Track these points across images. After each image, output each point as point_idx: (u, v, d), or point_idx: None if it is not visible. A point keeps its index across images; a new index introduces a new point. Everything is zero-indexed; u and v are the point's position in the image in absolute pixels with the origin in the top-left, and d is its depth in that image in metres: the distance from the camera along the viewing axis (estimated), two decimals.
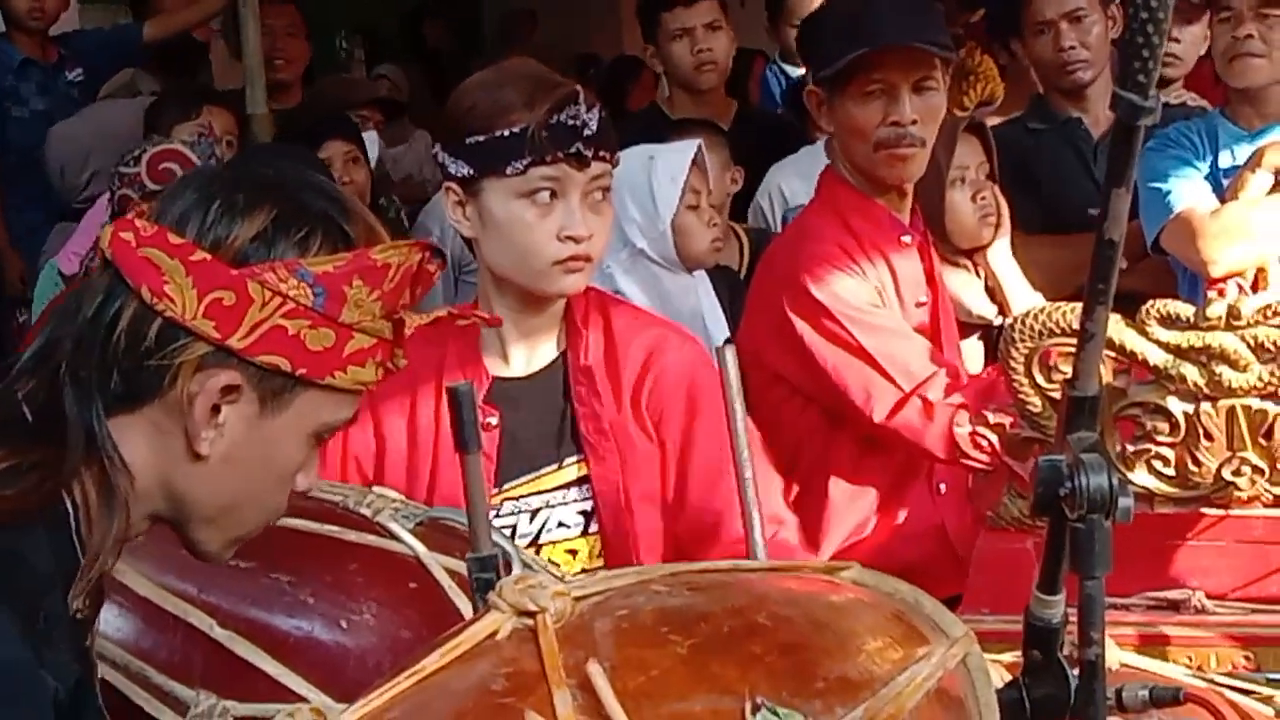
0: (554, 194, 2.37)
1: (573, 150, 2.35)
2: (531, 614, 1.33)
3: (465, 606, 1.93)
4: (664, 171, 3.65)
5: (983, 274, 3.60)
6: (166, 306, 1.55)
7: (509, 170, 2.35)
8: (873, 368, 2.92)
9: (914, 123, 2.95)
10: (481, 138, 2.37)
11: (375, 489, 2.25)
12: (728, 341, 2.98)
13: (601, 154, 2.39)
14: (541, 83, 2.39)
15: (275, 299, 1.57)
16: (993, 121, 4.26)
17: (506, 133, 2.36)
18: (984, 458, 2.73)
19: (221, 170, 1.68)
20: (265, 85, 5.43)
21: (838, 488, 3.04)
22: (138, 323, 1.57)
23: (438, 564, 2.04)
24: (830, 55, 2.98)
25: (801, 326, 2.97)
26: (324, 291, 1.58)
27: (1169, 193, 3.48)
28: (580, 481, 2.49)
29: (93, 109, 5.31)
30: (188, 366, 1.57)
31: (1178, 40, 4.44)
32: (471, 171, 2.40)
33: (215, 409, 1.59)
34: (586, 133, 2.36)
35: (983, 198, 3.54)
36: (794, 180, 4.23)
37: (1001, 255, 3.60)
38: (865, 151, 3.00)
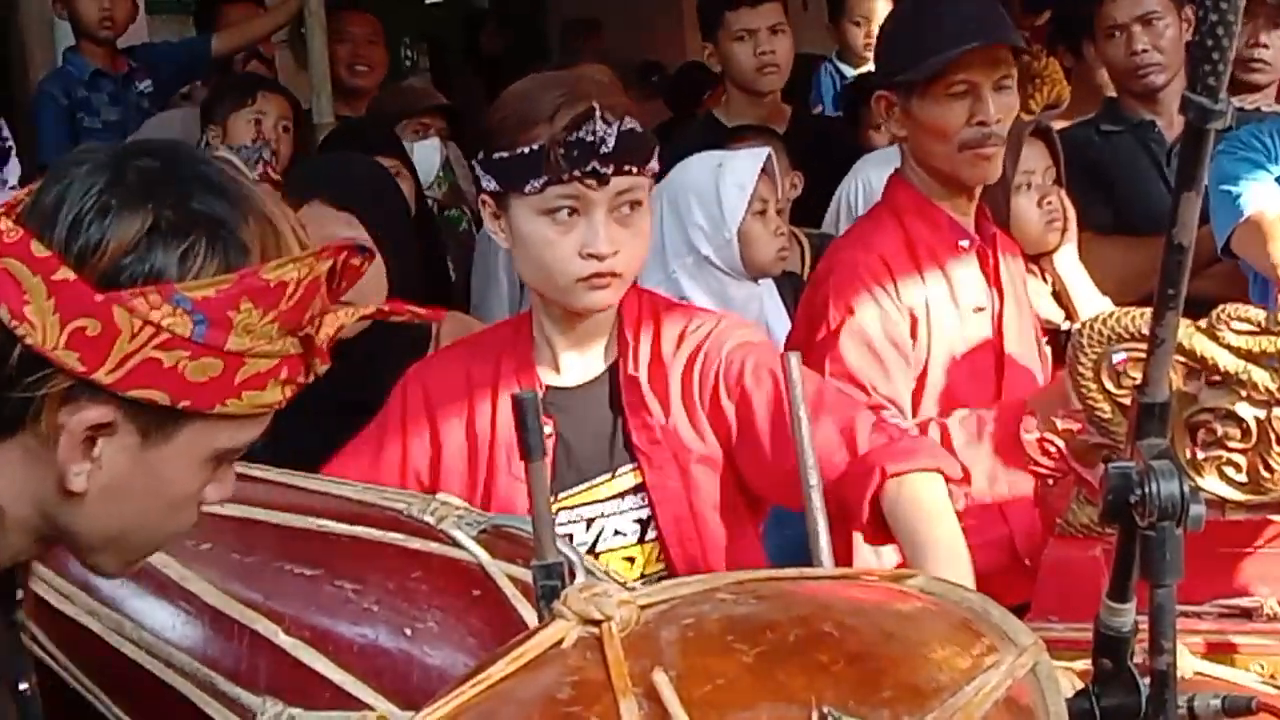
0: (575, 210, 2.35)
1: (589, 169, 2.32)
2: (597, 622, 1.32)
3: (529, 614, 1.93)
4: (732, 179, 3.64)
5: (1050, 279, 3.57)
6: (27, 332, 1.37)
7: (528, 189, 2.34)
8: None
9: (997, 122, 2.95)
10: (505, 154, 2.35)
11: (439, 496, 2.26)
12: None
13: (627, 168, 2.34)
14: (567, 96, 2.35)
15: (146, 329, 1.38)
16: (1061, 125, 4.24)
17: (526, 150, 2.33)
18: (1052, 464, 2.70)
19: (110, 153, 1.44)
20: (334, 93, 5.51)
21: None
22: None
23: (501, 572, 2.03)
24: (915, 58, 2.95)
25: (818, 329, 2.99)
26: (205, 320, 1.39)
27: (1239, 196, 3.45)
28: (634, 490, 2.48)
29: (157, 119, 5.35)
30: (52, 399, 1.39)
31: (1266, 46, 4.39)
32: (497, 187, 2.39)
33: (90, 442, 1.42)
34: (604, 150, 2.31)
35: (1049, 203, 3.51)
36: (884, 172, 4.20)
37: (1068, 260, 3.57)
38: (948, 153, 2.98)
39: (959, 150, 2.96)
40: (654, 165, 2.41)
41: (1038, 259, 3.56)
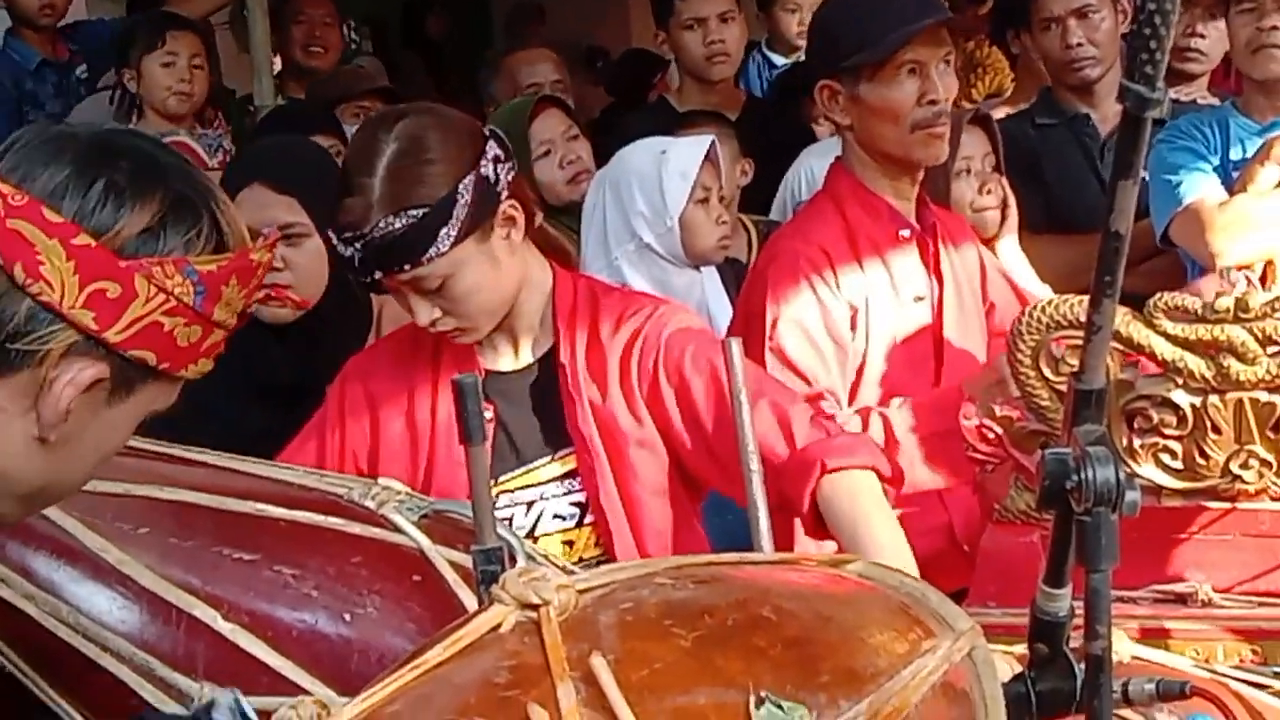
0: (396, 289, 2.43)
1: (358, 280, 2.41)
2: (535, 607, 1.32)
3: (469, 599, 1.92)
4: (675, 166, 3.64)
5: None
6: (42, 290, 1.46)
7: None
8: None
9: (946, 99, 2.97)
10: None
11: (380, 481, 2.25)
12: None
13: (396, 269, 2.35)
14: (340, 196, 2.37)
15: (159, 295, 1.50)
16: (1001, 114, 4.26)
17: None
18: (990, 450, 2.72)
19: (92, 140, 1.53)
20: (289, 74, 5.48)
21: None
22: (3, 302, 1.47)
23: (442, 557, 2.03)
24: (859, 42, 2.96)
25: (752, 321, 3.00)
26: (205, 290, 1.53)
27: (1178, 185, 3.47)
28: (572, 474, 2.50)
29: (90, 101, 5.27)
30: (54, 353, 1.48)
31: (1203, 36, 4.42)
32: None
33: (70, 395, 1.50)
34: (356, 264, 2.37)
35: (988, 190, 3.53)
36: (828, 162, 4.20)
37: (1010, 248, 3.59)
38: (899, 135, 2.99)
39: (911, 131, 2.97)
40: (436, 249, 2.34)
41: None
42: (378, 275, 2.36)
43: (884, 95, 2.98)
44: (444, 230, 2.33)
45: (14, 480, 1.55)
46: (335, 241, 2.38)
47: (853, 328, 2.99)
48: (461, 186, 2.34)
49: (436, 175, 2.34)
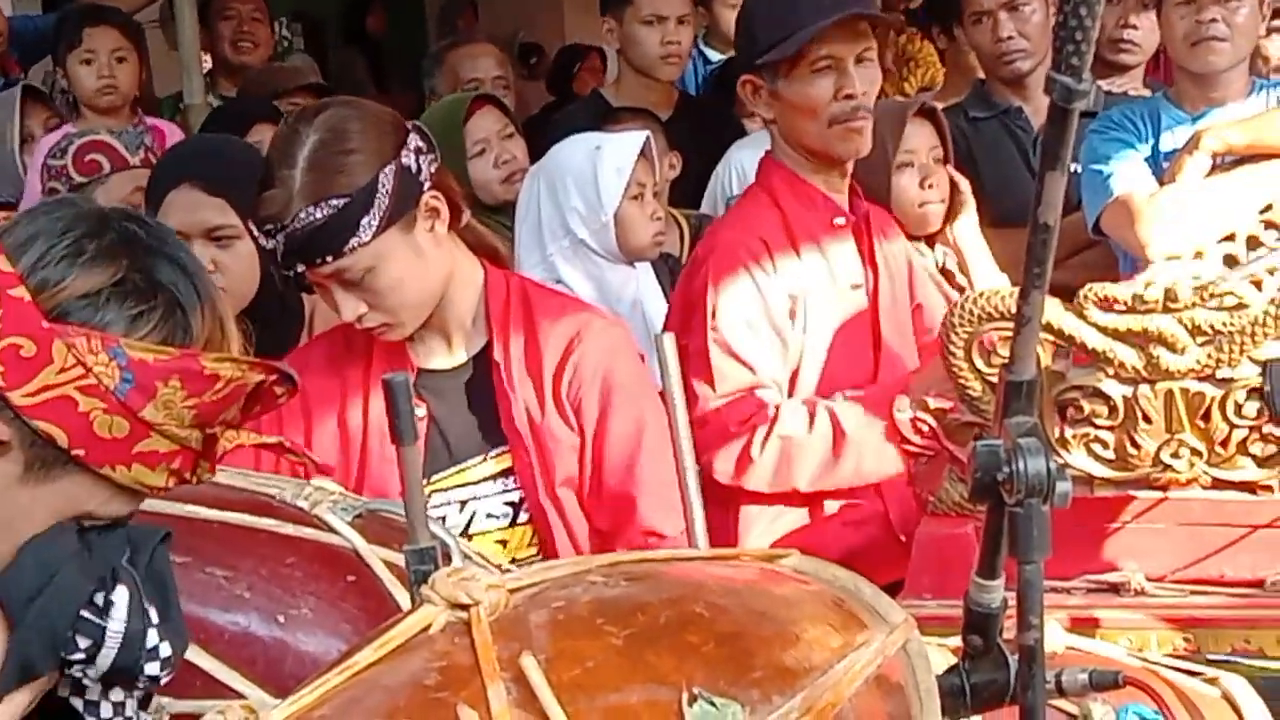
0: (316, 282, 2.42)
1: (282, 275, 2.41)
2: (465, 607, 1.32)
3: (404, 599, 1.91)
4: (610, 163, 3.62)
5: (941, 253, 3.59)
6: None
7: None
8: (707, 362, 2.94)
9: (864, 94, 2.97)
10: None
11: (313, 481, 2.23)
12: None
13: (318, 260, 2.34)
14: (260, 189, 2.37)
15: (77, 368, 1.41)
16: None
17: None
18: (924, 442, 2.73)
19: (92, 210, 1.49)
20: (218, 71, 5.42)
21: None
22: None
23: (376, 557, 2.02)
24: (775, 38, 2.98)
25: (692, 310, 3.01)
26: (133, 381, 1.43)
27: (1109, 176, 3.49)
28: (506, 473, 2.49)
29: None
30: None
31: (1135, 27, 4.45)
32: None
33: None
34: (278, 256, 2.36)
35: (929, 184, 3.53)
36: (757, 155, 4.21)
37: (967, 231, 3.59)
38: (817, 130, 3.00)
39: (829, 126, 2.99)
40: (358, 239, 2.33)
41: (931, 239, 3.58)
42: (300, 268, 2.35)
43: (800, 91, 2.99)
44: (365, 219, 2.32)
45: None
46: (257, 234, 2.37)
47: (792, 316, 3.00)
48: (382, 176, 2.33)
49: (357, 164, 2.33)
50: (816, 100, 2.98)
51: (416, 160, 2.37)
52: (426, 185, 2.39)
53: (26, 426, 1.42)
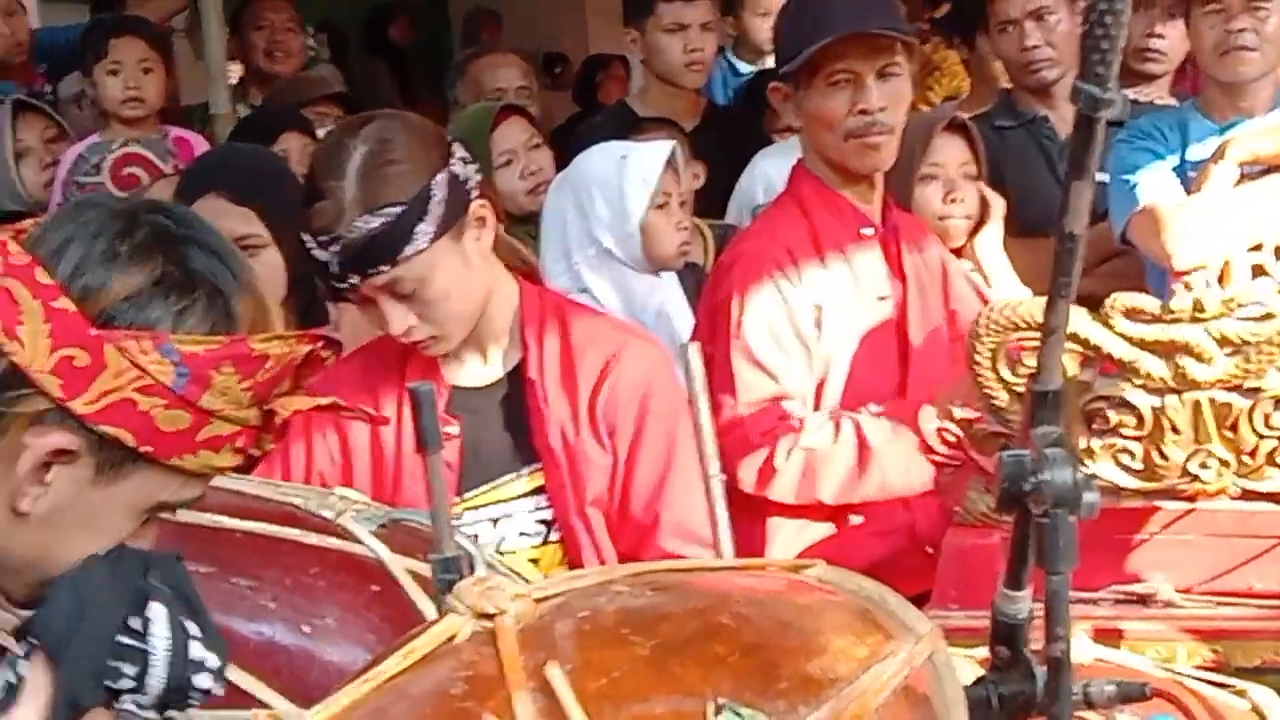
0: (364, 297, 2.39)
1: (332, 289, 2.38)
2: (491, 616, 1.31)
3: (429, 609, 1.91)
4: (636, 172, 3.62)
5: (967, 267, 3.58)
6: (15, 350, 1.42)
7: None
8: (731, 371, 2.94)
9: (882, 110, 2.96)
10: None
11: (337, 490, 2.23)
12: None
13: (371, 271, 2.33)
14: (312, 202, 2.35)
15: (132, 370, 1.43)
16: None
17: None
18: (950, 452, 2.72)
19: (121, 206, 1.50)
20: (252, 80, 5.43)
21: None
22: None
23: (401, 566, 2.01)
24: (793, 49, 2.99)
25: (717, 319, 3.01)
26: (188, 373, 1.44)
27: (1136, 185, 3.48)
28: (538, 491, 2.48)
29: None
30: (23, 419, 1.43)
31: (1162, 36, 4.43)
32: None
33: (45, 467, 1.45)
34: (333, 269, 2.34)
35: (953, 199, 3.52)
36: (784, 166, 4.20)
37: (988, 245, 3.58)
38: (835, 142, 3.00)
39: (844, 140, 2.99)
40: (414, 248, 2.33)
41: (957, 251, 3.57)
42: (353, 280, 2.33)
43: (818, 104, 3.00)
44: (420, 227, 2.32)
45: (4, 551, 1.50)
46: (311, 247, 2.34)
47: (817, 326, 2.99)
48: (434, 183, 2.33)
49: (408, 174, 2.33)
50: (832, 114, 2.98)
51: (464, 169, 2.38)
52: (474, 194, 2.39)
53: (92, 433, 1.44)
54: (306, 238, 2.35)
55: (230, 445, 1.50)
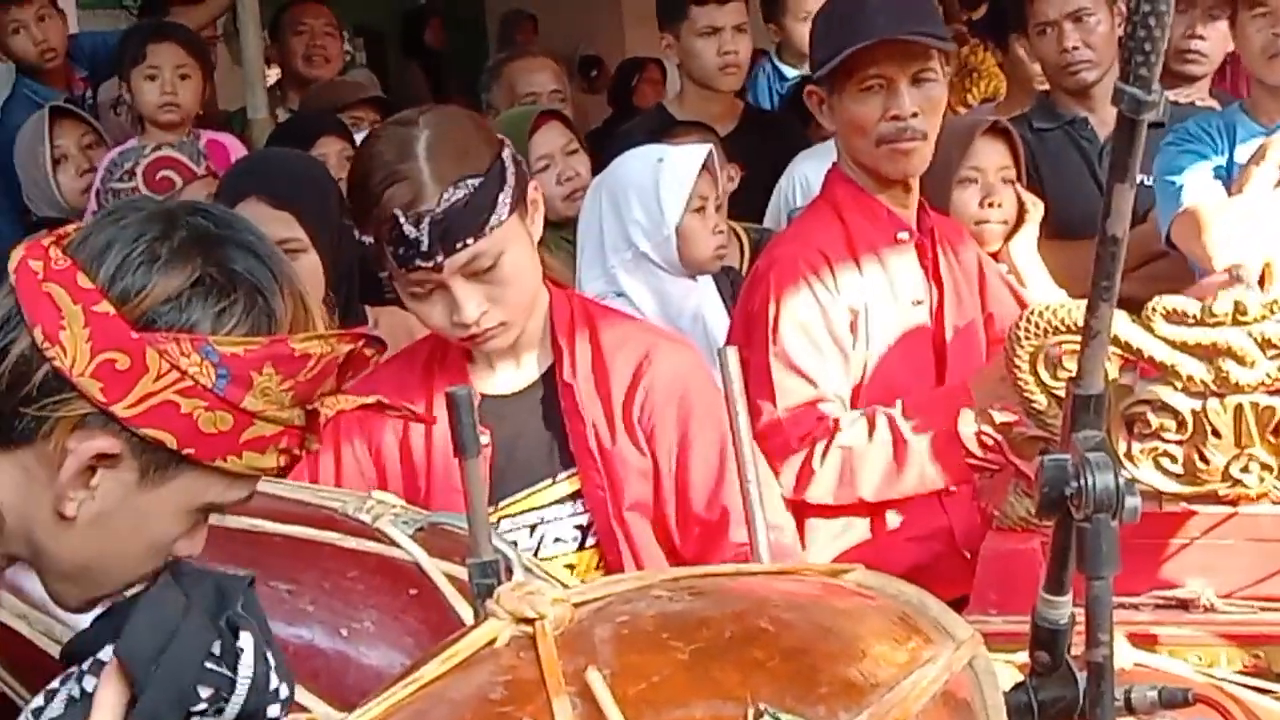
0: (434, 288, 2.36)
1: (416, 265, 2.32)
2: (530, 621, 1.31)
3: (466, 612, 1.91)
4: (672, 176, 3.62)
5: (1004, 270, 3.57)
6: (56, 355, 1.43)
7: (381, 273, 2.35)
8: (769, 376, 2.93)
9: (914, 115, 2.94)
10: (357, 234, 2.38)
11: (375, 494, 2.24)
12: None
13: (458, 245, 2.31)
14: (384, 188, 2.32)
15: (173, 373, 1.43)
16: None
17: (368, 240, 2.37)
18: (989, 457, 2.71)
19: (163, 208, 1.51)
20: (291, 84, 5.45)
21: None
22: (24, 363, 1.44)
23: (438, 570, 2.02)
24: (827, 54, 2.98)
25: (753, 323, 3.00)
26: (228, 374, 1.44)
27: (1180, 187, 3.46)
28: (574, 496, 2.48)
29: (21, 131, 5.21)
30: (65, 423, 1.44)
31: (1203, 38, 4.41)
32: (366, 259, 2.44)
33: (90, 470, 1.46)
34: (422, 246, 2.30)
35: (991, 203, 3.51)
36: (822, 169, 4.20)
37: (1022, 247, 3.57)
38: (867, 147, 3.00)
39: (876, 145, 2.98)
40: (497, 218, 2.33)
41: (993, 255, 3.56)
42: (438, 259, 2.30)
43: (850, 109, 2.99)
44: (501, 196, 2.33)
45: (51, 556, 1.52)
46: (402, 223, 2.30)
47: (853, 331, 2.98)
48: (503, 156, 2.36)
49: (478, 147, 2.35)
50: (864, 119, 2.97)
51: (513, 151, 2.41)
52: (528, 175, 2.42)
53: (135, 436, 1.44)
54: (399, 212, 2.31)
55: (274, 446, 1.50)
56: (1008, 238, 3.58)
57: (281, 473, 1.54)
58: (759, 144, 4.53)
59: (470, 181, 2.30)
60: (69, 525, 1.48)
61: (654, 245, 3.59)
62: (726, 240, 3.76)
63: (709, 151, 3.67)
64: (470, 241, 2.31)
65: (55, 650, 2.02)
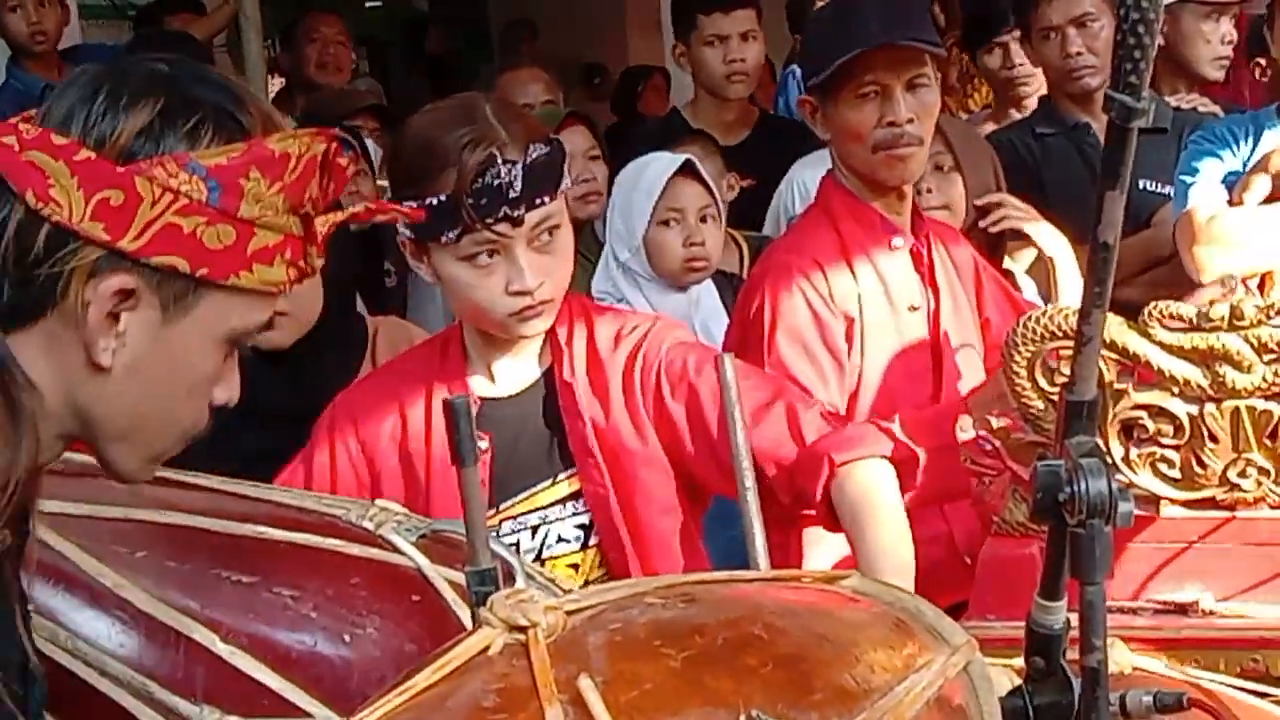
0: (495, 251, 2.35)
1: (501, 215, 2.31)
2: (523, 629, 1.32)
3: (468, 619, 1.91)
4: (643, 186, 3.63)
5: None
6: (53, 210, 1.48)
7: (444, 239, 2.33)
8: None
9: (910, 121, 2.94)
10: (414, 204, 2.30)
11: (378, 502, 2.25)
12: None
13: (539, 201, 2.33)
14: (469, 140, 2.32)
15: (166, 195, 1.49)
16: (989, 128, 4.28)
17: (434, 201, 2.31)
18: (987, 462, 2.71)
19: (108, 66, 1.57)
20: (302, 92, 5.50)
21: None
22: (24, 231, 1.49)
23: (441, 577, 2.03)
24: (820, 62, 2.98)
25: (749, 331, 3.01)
26: (219, 185, 1.50)
27: (1188, 189, 3.46)
28: (575, 496, 2.48)
29: None
30: (80, 273, 1.49)
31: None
32: (413, 235, 2.39)
33: (114, 317, 1.52)
34: (512, 193, 2.30)
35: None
36: (818, 173, 4.20)
37: (1048, 236, 3.59)
38: (863, 154, 2.99)
39: (873, 152, 2.98)
40: (566, 182, 2.40)
41: (1011, 247, 3.58)
42: (523, 211, 2.31)
43: (845, 116, 2.99)
44: (564, 164, 2.40)
45: (101, 419, 1.57)
46: (499, 165, 2.29)
47: (848, 339, 2.98)
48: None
49: (534, 120, 2.44)
50: (860, 126, 2.97)
51: None
52: None
53: (147, 268, 1.50)
54: (496, 152, 2.29)
55: (280, 257, 1.56)
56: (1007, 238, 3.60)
57: (291, 286, 1.60)
58: (773, 151, 4.54)
59: (541, 145, 2.35)
60: (106, 377, 1.53)
61: (630, 255, 3.61)
62: (709, 252, 3.75)
63: (684, 162, 3.66)
64: (547, 200, 2.34)
65: (60, 656, 2.04)
